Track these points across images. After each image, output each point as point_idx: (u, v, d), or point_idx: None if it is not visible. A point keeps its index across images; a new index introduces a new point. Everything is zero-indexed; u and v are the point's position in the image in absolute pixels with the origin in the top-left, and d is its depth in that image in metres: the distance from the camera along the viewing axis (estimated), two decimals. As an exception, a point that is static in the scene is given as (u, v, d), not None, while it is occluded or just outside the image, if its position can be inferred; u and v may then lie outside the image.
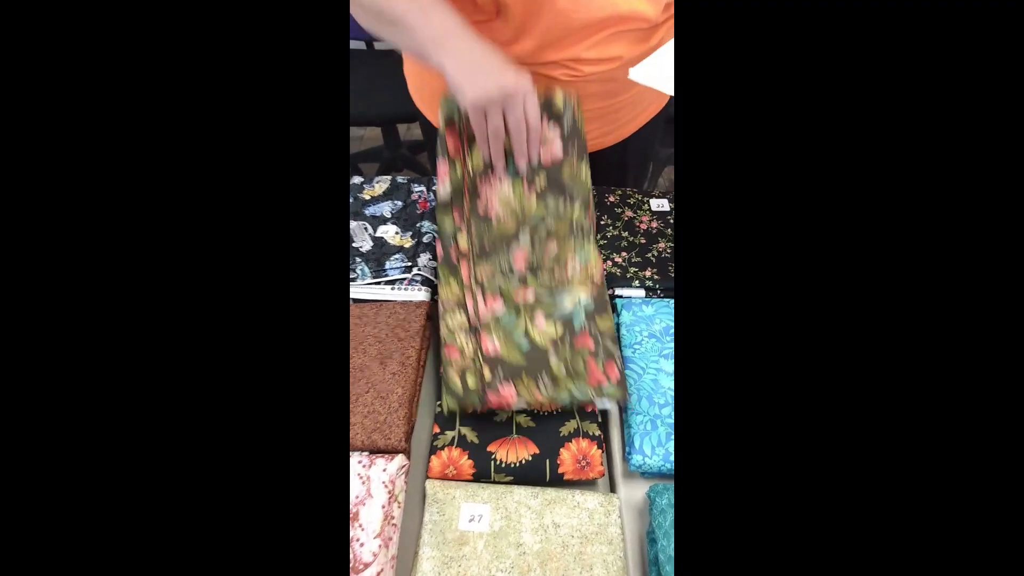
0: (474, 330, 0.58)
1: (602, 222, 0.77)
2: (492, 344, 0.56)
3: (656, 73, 0.67)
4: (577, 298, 0.60)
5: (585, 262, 0.62)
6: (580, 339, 0.57)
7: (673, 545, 0.44)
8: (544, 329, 0.58)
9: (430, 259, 0.74)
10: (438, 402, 0.59)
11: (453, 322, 0.59)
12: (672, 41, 0.67)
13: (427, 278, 0.71)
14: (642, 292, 0.68)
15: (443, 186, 0.64)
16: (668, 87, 0.61)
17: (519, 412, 0.56)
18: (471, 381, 0.54)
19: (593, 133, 0.85)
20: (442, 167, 0.64)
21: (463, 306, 0.60)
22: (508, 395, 0.53)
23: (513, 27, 0.68)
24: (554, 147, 0.63)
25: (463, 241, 0.63)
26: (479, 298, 0.60)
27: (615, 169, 0.94)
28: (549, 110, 0.61)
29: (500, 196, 0.63)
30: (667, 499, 0.50)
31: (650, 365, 0.60)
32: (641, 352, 0.62)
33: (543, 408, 0.56)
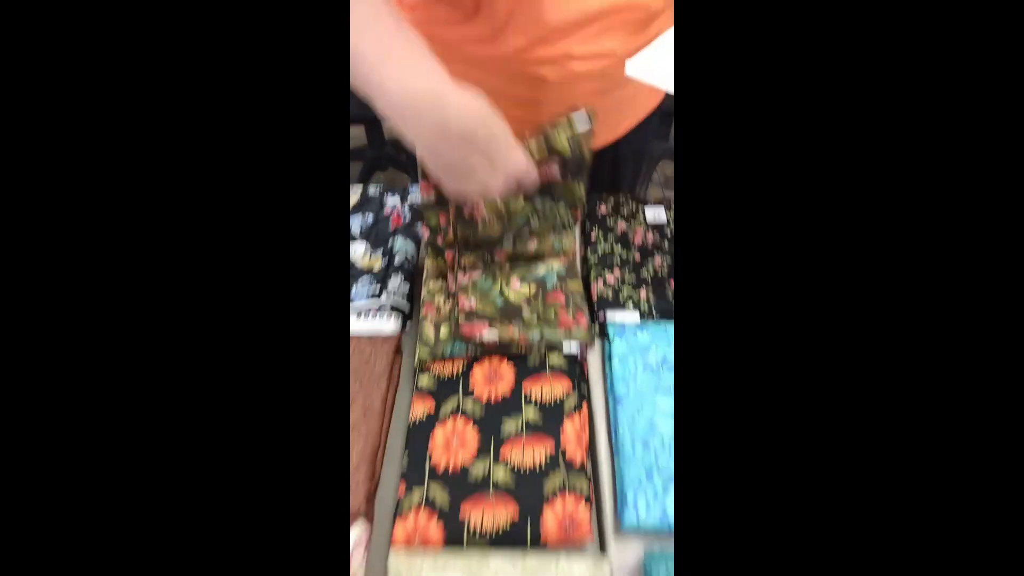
0: (452, 295, 0.61)
1: (592, 237, 0.70)
2: (468, 302, 0.60)
3: (655, 68, 0.60)
4: (551, 266, 0.65)
5: (560, 245, 0.65)
6: (552, 295, 0.61)
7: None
8: (519, 289, 0.62)
9: (402, 281, 0.67)
10: (405, 456, 0.52)
11: (434, 287, 0.64)
12: (671, 30, 0.59)
13: (396, 306, 0.64)
14: (636, 316, 0.61)
15: (427, 195, 0.59)
16: (668, 84, 0.54)
17: (497, 465, 0.50)
18: (444, 332, 0.58)
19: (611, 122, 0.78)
20: (424, 182, 0.58)
21: (444, 276, 0.64)
22: (480, 327, 0.56)
23: (494, 25, 0.61)
24: (551, 171, 0.57)
25: (448, 234, 0.63)
26: (459, 275, 0.63)
27: (607, 167, 0.87)
28: (550, 144, 0.55)
29: (487, 202, 0.59)
30: (666, 569, 0.43)
31: (645, 405, 0.54)
32: (635, 389, 0.55)
33: (515, 343, 0.57)
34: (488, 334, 0.56)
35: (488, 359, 0.58)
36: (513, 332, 0.56)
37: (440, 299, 0.62)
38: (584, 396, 0.55)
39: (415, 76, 0.44)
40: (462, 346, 0.57)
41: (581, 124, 0.55)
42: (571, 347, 0.57)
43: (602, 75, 0.67)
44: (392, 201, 0.78)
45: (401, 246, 0.71)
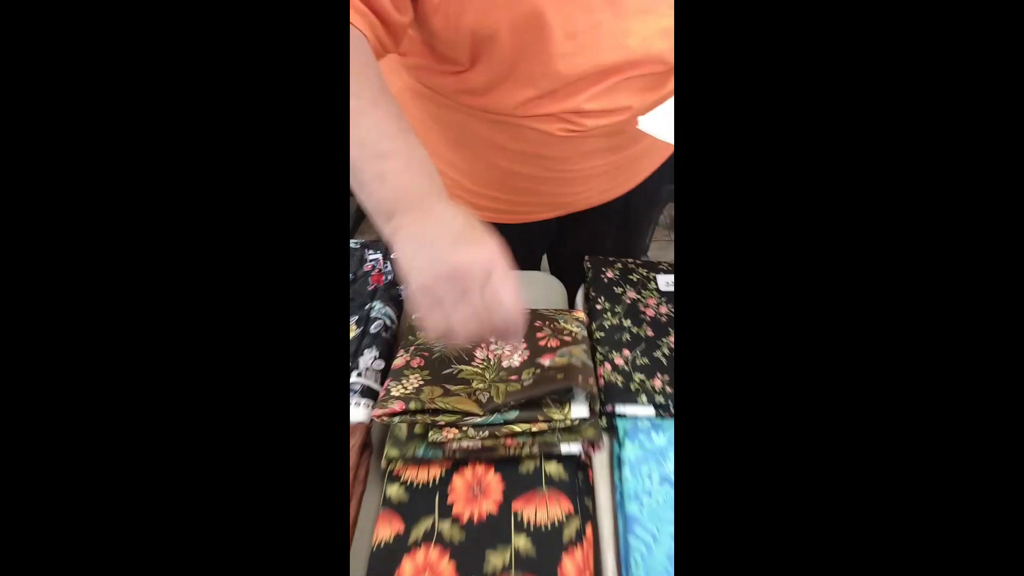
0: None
1: (598, 306, 0.61)
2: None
3: (670, 123, 0.52)
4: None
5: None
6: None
7: None
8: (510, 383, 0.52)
9: (377, 358, 0.57)
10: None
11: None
12: None
13: (369, 387, 0.54)
14: (651, 410, 0.52)
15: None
16: None
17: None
18: (420, 425, 0.49)
19: (594, 190, 0.71)
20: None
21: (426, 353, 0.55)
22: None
23: (494, 75, 0.54)
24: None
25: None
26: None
27: (617, 217, 0.79)
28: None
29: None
30: None
31: (664, 531, 0.44)
32: (651, 509, 0.45)
33: (501, 448, 0.47)
34: (462, 443, 0.47)
35: (472, 466, 0.48)
36: (499, 437, 0.47)
37: (418, 378, 0.52)
38: (588, 517, 0.45)
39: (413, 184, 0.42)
40: (439, 450, 0.47)
41: (578, 411, 0.48)
42: (572, 448, 0.48)
43: (614, 131, 0.59)
44: (373, 257, 0.69)
45: (380, 311, 0.62)
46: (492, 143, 0.63)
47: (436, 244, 0.39)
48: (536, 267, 0.92)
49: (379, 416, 0.47)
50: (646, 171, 0.74)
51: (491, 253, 0.39)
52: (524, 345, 0.54)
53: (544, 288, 0.71)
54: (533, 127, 0.58)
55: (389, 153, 0.42)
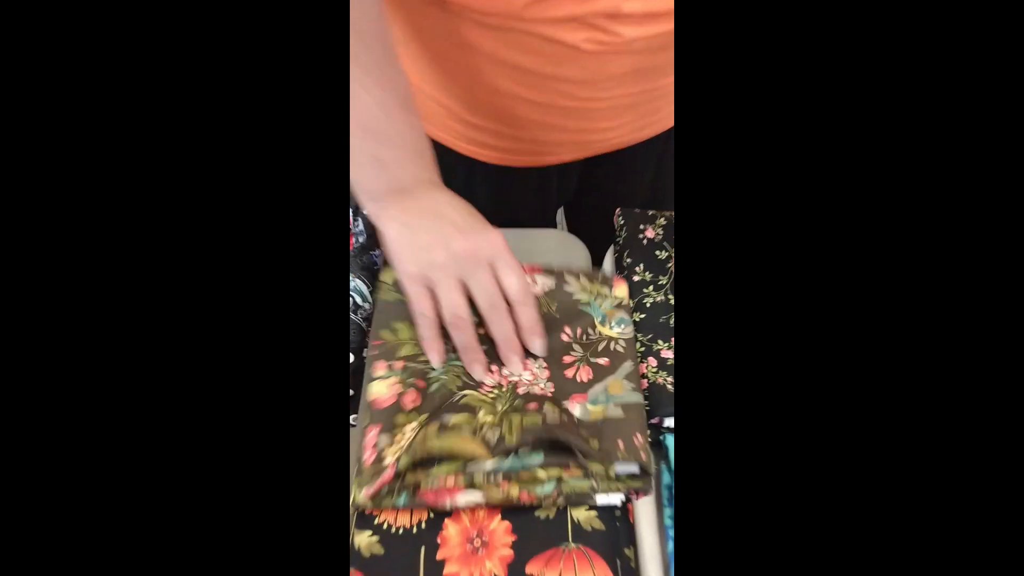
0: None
1: (636, 277, 0.46)
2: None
3: None
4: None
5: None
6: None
7: None
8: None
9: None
10: None
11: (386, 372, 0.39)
12: None
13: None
14: (712, 424, 0.38)
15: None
16: None
17: None
18: (403, 459, 0.33)
19: (625, 127, 0.56)
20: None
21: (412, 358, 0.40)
22: (451, 491, 0.34)
23: None
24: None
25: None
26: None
27: (654, 162, 0.65)
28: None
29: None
30: None
31: None
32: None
33: (513, 501, 0.34)
34: (464, 498, 0.33)
35: (472, 508, 0.35)
36: (509, 489, 0.33)
37: (415, 427, 0.36)
38: (633, 579, 0.33)
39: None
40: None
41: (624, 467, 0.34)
42: (612, 499, 0.34)
43: (656, 46, 0.45)
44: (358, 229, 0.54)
45: (351, 288, 0.48)
46: (493, 60, 0.47)
47: (435, 231, 0.38)
48: (551, 223, 0.75)
49: (372, 495, 0.33)
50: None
51: (495, 241, 0.38)
52: (547, 374, 0.39)
53: (560, 250, 0.57)
54: (550, 37, 0.43)
55: (387, 136, 0.40)
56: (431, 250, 0.38)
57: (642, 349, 0.42)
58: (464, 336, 0.38)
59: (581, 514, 0.34)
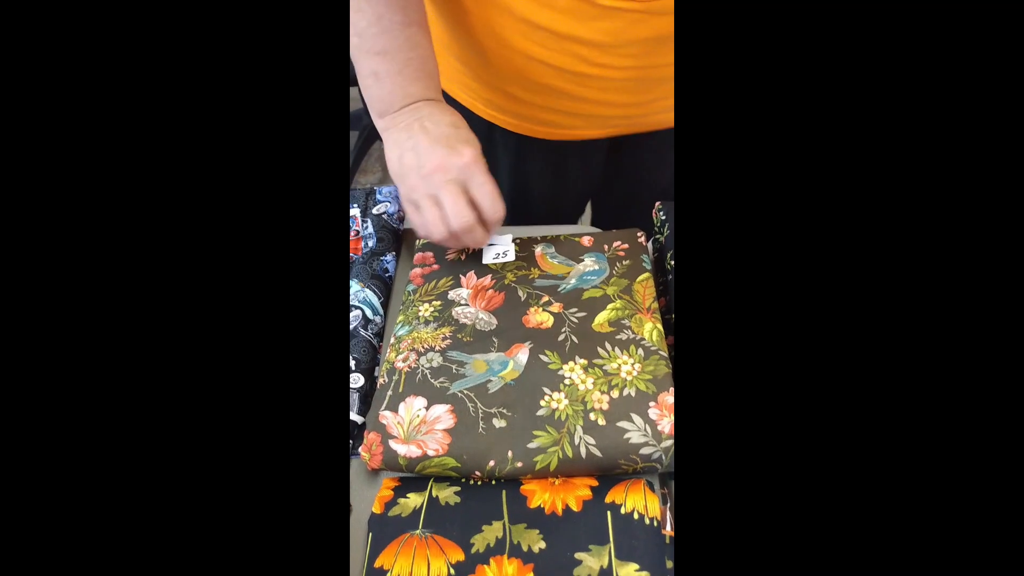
0: None
1: (668, 255, 0.40)
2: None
3: None
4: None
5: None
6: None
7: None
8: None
9: (351, 370, 0.38)
10: None
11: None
12: None
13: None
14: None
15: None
16: None
17: None
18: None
19: (645, 107, 0.52)
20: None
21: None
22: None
23: None
24: None
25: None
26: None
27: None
28: None
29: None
30: None
31: None
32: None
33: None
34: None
35: (497, 563, 0.30)
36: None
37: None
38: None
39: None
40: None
41: None
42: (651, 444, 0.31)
43: (671, 11, 0.41)
44: (350, 214, 0.49)
45: (357, 297, 0.43)
46: (512, 15, 0.43)
47: (417, 149, 0.39)
48: (573, 220, 0.69)
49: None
50: None
51: (467, 159, 0.39)
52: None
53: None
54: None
55: (386, 51, 0.40)
56: (410, 173, 0.39)
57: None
58: (448, 244, 0.42)
59: (627, 573, 0.28)
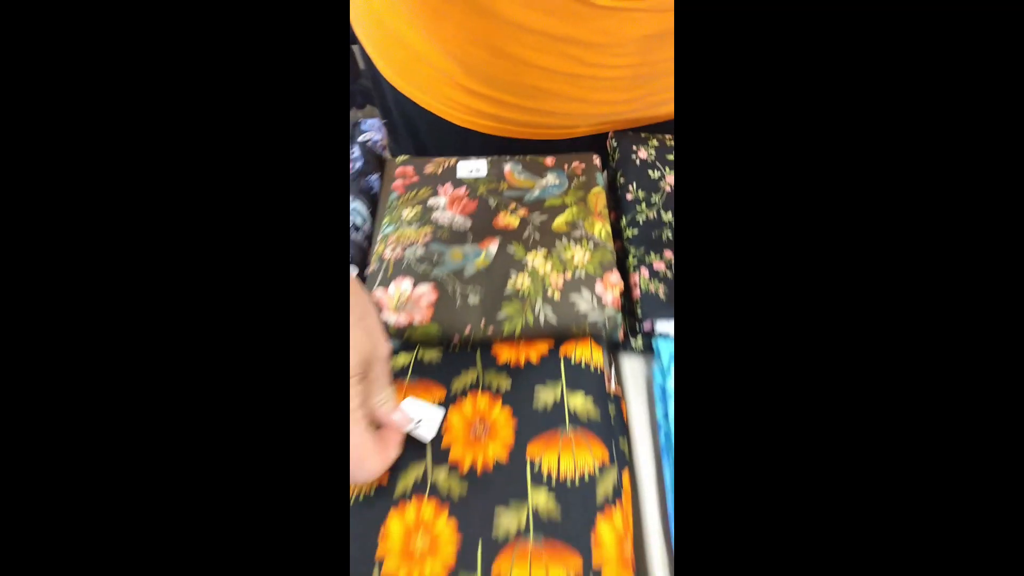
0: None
1: (629, 195, 0.47)
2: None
3: None
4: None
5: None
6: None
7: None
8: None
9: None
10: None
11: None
12: None
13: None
14: (702, 327, 0.40)
15: None
16: None
17: None
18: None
19: (635, 103, 0.53)
20: None
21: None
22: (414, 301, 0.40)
23: None
24: None
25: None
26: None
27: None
28: None
29: None
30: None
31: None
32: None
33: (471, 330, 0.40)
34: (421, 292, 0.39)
35: (472, 396, 0.37)
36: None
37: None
38: (625, 463, 0.35)
39: None
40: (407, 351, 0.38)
41: None
42: (596, 313, 0.38)
43: (663, 7, 0.43)
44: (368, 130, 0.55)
45: (350, 208, 0.49)
46: (500, 19, 0.43)
47: None
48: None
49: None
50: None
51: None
52: None
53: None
54: None
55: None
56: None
57: (636, 262, 0.43)
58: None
59: (578, 402, 0.36)
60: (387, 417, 0.34)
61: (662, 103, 0.54)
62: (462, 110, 0.54)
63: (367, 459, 0.32)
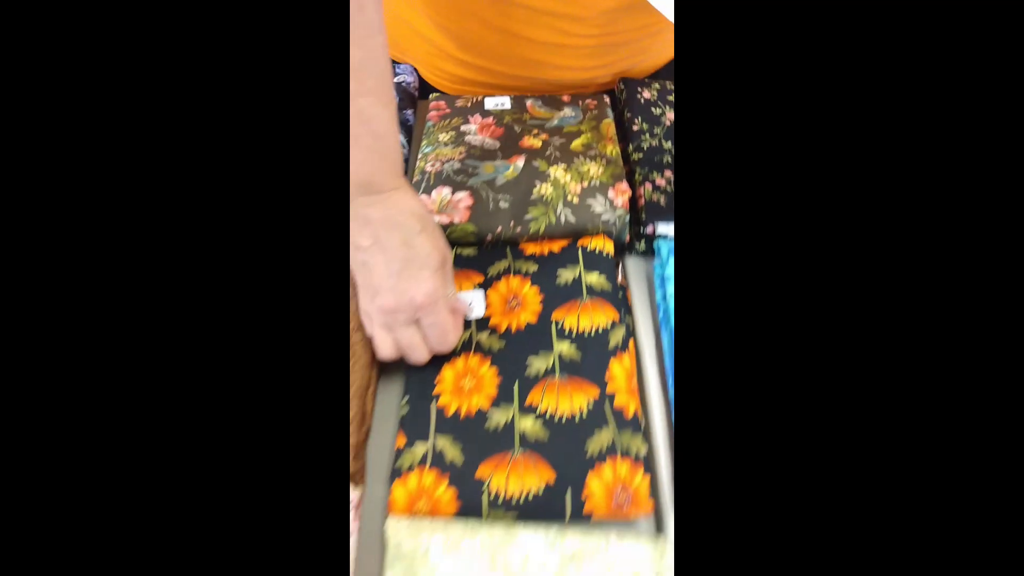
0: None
1: (635, 127, 0.55)
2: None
3: None
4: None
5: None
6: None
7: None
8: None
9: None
10: (404, 397, 0.40)
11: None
12: None
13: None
14: (695, 230, 0.48)
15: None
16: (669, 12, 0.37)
17: (524, 414, 0.38)
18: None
19: (616, 66, 0.59)
20: None
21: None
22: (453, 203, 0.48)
23: None
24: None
25: None
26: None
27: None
28: None
29: None
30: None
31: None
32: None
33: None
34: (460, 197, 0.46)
35: (506, 279, 0.45)
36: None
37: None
38: (631, 333, 0.43)
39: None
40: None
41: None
42: (608, 213, 0.46)
43: None
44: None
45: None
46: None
47: (371, 269, 0.37)
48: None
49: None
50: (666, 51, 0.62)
51: (421, 299, 0.37)
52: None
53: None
54: None
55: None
56: (363, 292, 0.39)
57: (641, 178, 0.51)
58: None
59: (593, 279, 0.44)
60: (456, 304, 0.41)
61: (629, 68, 0.61)
62: (452, 80, 0.60)
63: (450, 333, 0.39)
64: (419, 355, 0.39)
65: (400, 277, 0.37)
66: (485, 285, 0.45)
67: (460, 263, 0.46)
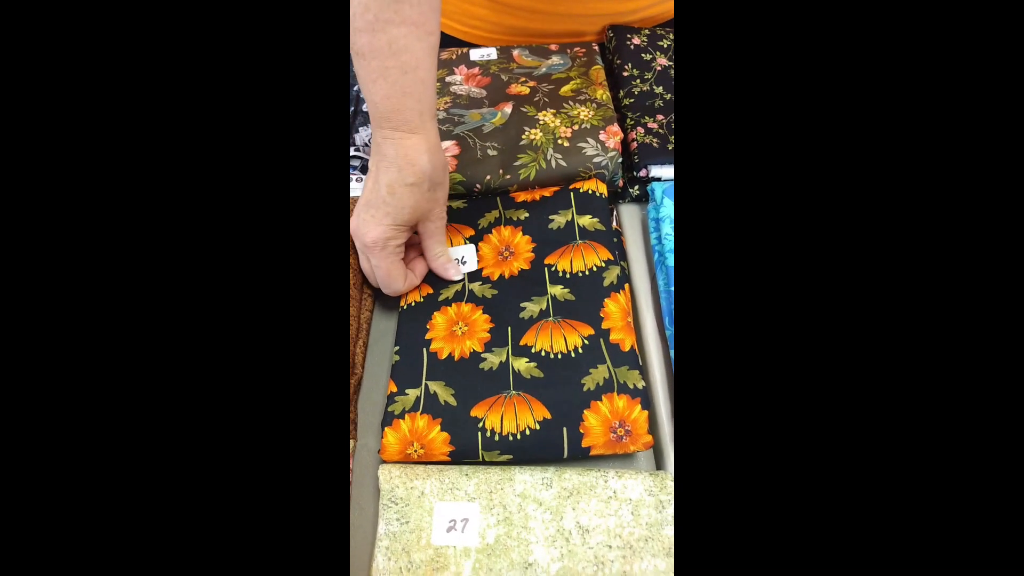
0: None
1: (625, 72, 0.54)
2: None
3: None
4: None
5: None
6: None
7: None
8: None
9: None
10: (395, 347, 0.39)
11: None
12: None
13: (366, 163, 0.48)
14: (689, 172, 0.47)
15: None
16: None
17: (518, 357, 0.37)
18: None
19: (656, 8, 0.58)
20: None
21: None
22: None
23: None
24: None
25: None
26: None
27: None
28: None
29: None
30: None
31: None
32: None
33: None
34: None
35: (497, 230, 0.44)
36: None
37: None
38: (626, 277, 0.42)
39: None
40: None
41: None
42: (601, 155, 0.45)
43: None
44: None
45: (374, 90, 0.54)
46: None
47: (363, 199, 0.38)
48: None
49: None
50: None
51: (368, 241, 0.38)
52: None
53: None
54: None
55: (362, 53, 0.35)
56: (356, 229, 0.39)
57: (632, 122, 0.50)
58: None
59: (585, 221, 0.43)
60: (443, 265, 0.41)
61: (652, 5, 0.59)
62: (466, 17, 0.58)
63: (394, 280, 0.40)
64: (373, 282, 0.41)
65: (365, 211, 0.38)
66: (476, 238, 0.44)
67: (450, 217, 0.45)
